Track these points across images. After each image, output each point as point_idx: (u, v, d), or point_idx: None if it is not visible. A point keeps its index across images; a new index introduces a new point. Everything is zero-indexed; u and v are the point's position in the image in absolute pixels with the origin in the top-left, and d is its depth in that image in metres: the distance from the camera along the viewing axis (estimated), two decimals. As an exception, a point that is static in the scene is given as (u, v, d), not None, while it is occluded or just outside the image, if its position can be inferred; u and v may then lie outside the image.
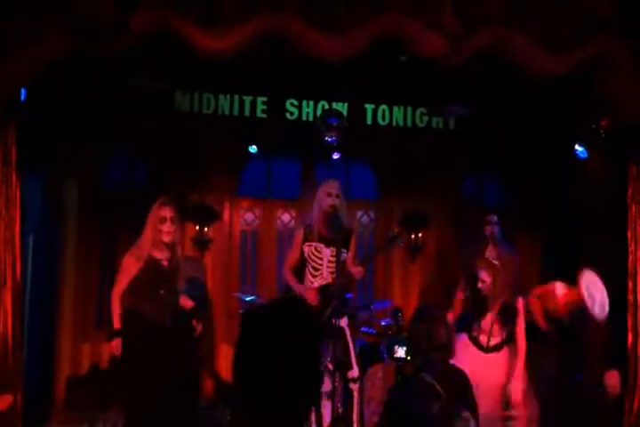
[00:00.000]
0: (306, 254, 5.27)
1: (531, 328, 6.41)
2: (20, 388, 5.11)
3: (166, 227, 4.80)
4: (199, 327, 5.07)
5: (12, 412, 5.00)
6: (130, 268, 4.77)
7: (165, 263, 4.83)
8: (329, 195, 5.20)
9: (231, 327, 7.51)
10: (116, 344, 4.71)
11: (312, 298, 5.12)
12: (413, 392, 3.31)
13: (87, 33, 4.75)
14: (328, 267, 5.19)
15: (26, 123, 5.46)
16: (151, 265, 4.78)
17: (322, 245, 5.22)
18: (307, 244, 5.27)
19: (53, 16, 4.74)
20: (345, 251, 5.20)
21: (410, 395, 3.31)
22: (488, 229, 6.13)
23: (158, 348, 4.69)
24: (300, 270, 5.34)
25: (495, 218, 6.14)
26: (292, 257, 5.35)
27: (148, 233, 4.85)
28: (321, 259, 5.21)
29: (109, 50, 4.92)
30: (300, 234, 5.34)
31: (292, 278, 5.31)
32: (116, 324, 4.75)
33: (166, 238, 4.82)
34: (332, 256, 5.19)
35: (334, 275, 5.13)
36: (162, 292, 4.76)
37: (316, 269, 5.23)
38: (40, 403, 6.25)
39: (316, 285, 5.21)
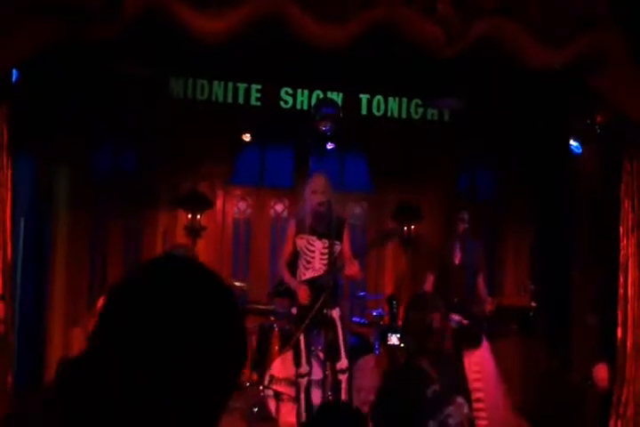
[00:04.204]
0: (298, 247, 5.24)
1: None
2: (12, 372, 5.07)
3: None
4: None
5: (3, 396, 4.97)
6: None
7: None
8: (314, 192, 5.17)
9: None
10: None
11: (303, 294, 5.10)
12: (408, 378, 3.31)
13: (78, 13, 4.70)
14: (320, 259, 5.17)
15: (18, 107, 5.40)
16: None
17: (314, 238, 5.20)
18: (299, 236, 5.24)
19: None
20: (338, 243, 5.19)
21: (404, 381, 3.31)
22: (461, 226, 6.23)
23: None
24: (294, 263, 5.32)
25: (467, 215, 6.26)
26: (286, 250, 5.32)
27: None
28: (313, 251, 5.19)
29: (99, 34, 4.87)
30: (292, 227, 5.32)
31: (286, 272, 5.30)
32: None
33: None
34: (324, 249, 5.17)
35: (327, 267, 5.12)
36: None
37: (309, 262, 5.20)
38: (31, 387, 6.22)
39: (308, 276, 5.19)
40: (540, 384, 6.88)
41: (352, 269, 5.07)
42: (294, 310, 5.24)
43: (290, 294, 5.31)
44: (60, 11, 4.69)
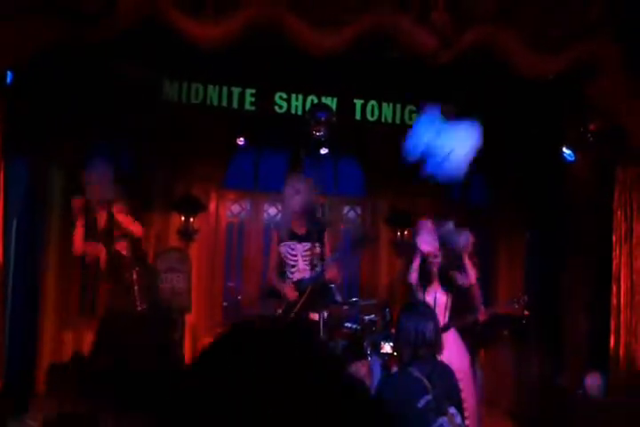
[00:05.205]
0: (282, 254, 5.45)
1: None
2: (1, 373, 5.05)
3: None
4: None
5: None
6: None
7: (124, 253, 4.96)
8: (297, 192, 5.33)
9: (214, 319, 7.51)
10: None
11: (290, 293, 5.31)
12: (400, 387, 3.31)
13: (73, 16, 4.69)
14: (303, 261, 5.38)
15: (13, 108, 5.38)
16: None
17: (294, 242, 5.39)
18: (281, 244, 5.44)
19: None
20: (318, 245, 5.36)
21: (397, 390, 3.29)
22: None
23: (132, 332, 4.80)
24: (282, 271, 5.53)
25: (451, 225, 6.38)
26: (273, 260, 5.56)
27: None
28: (295, 255, 5.39)
29: (96, 36, 4.87)
30: (274, 237, 5.54)
31: (275, 277, 5.51)
32: None
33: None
34: (305, 251, 5.38)
35: (310, 267, 5.33)
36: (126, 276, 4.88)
37: (293, 266, 5.41)
38: (21, 389, 6.19)
39: (296, 278, 5.38)
40: (532, 391, 6.88)
41: (331, 272, 5.29)
42: (280, 311, 5.34)
43: (277, 296, 5.44)
44: (57, 13, 4.69)
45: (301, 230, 5.38)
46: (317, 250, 5.34)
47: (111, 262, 4.96)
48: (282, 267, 5.50)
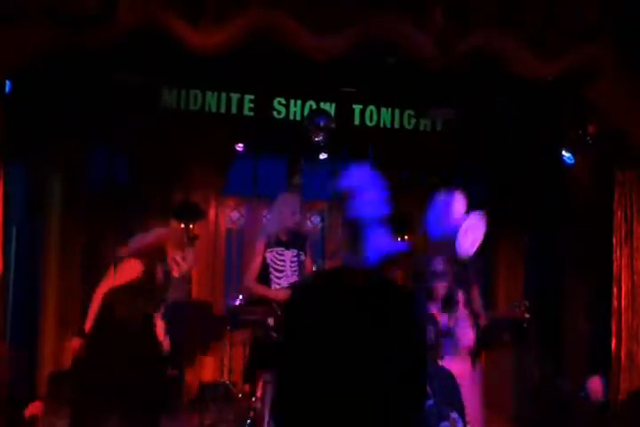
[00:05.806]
0: (269, 260, 5.41)
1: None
2: (4, 381, 5.03)
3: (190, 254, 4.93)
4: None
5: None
6: (130, 272, 4.78)
7: (160, 276, 4.88)
8: (294, 213, 5.37)
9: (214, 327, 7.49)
10: (76, 345, 4.65)
11: (284, 296, 5.17)
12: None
13: (72, 22, 4.69)
14: (291, 267, 5.39)
15: (12, 116, 5.37)
16: (147, 275, 4.80)
17: (282, 249, 5.40)
18: (268, 250, 5.41)
19: (37, 3, 4.68)
20: (303, 253, 5.43)
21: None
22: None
23: (126, 348, 4.70)
24: (260, 278, 5.45)
25: None
26: (255, 265, 5.46)
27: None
28: (283, 261, 5.39)
29: (95, 41, 4.87)
30: (261, 243, 5.47)
31: (259, 286, 5.43)
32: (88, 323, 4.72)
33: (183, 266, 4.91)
34: (293, 257, 5.40)
35: (296, 273, 5.36)
36: (140, 302, 4.80)
37: (280, 271, 5.39)
38: (22, 397, 6.17)
39: (283, 283, 5.36)
40: (533, 394, 6.87)
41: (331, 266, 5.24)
42: (271, 321, 5.28)
43: (264, 304, 5.42)
44: (55, 18, 4.69)
45: (286, 237, 5.40)
46: (302, 257, 5.41)
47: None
48: (264, 274, 5.44)
